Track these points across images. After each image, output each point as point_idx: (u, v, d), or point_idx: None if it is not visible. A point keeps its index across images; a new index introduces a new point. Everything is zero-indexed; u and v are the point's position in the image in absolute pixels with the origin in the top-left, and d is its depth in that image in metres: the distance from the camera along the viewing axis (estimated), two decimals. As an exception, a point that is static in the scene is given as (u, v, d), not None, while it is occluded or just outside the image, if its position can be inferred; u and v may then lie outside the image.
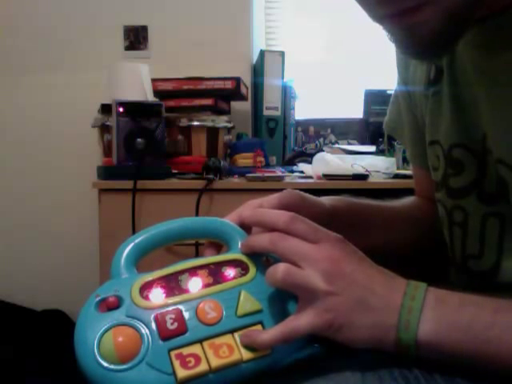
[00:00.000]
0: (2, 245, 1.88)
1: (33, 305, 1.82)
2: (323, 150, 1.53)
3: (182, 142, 1.43)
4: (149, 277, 0.47)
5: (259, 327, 0.45)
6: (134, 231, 1.18)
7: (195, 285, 0.47)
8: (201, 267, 0.49)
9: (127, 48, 1.83)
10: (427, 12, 0.41)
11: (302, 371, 0.46)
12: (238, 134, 1.69)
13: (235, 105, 1.73)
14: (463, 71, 0.56)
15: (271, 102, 1.68)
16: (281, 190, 0.56)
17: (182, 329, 0.43)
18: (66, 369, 1.05)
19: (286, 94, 1.71)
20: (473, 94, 0.54)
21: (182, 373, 0.41)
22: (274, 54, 1.67)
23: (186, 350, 0.43)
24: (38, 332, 1.68)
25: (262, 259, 0.50)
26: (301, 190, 0.58)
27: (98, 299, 0.45)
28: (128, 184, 1.21)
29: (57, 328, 1.72)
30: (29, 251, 1.87)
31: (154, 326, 0.43)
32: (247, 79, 1.74)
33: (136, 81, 1.39)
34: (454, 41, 0.45)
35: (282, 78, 1.68)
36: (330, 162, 1.30)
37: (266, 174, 1.27)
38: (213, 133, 1.45)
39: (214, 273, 0.48)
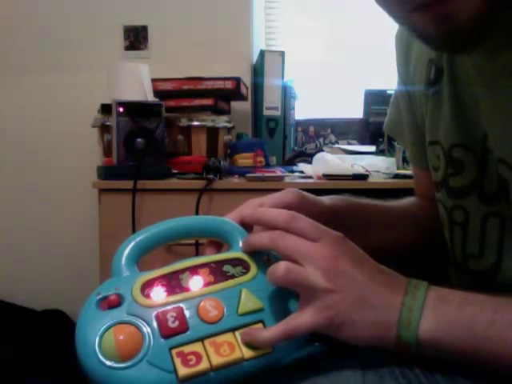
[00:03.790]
0: (2, 245, 1.88)
1: (33, 305, 1.81)
2: (323, 150, 1.53)
3: (181, 141, 1.43)
4: (150, 275, 0.47)
5: (260, 326, 0.46)
6: (133, 231, 1.18)
7: (196, 283, 0.47)
8: (202, 266, 0.49)
9: (127, 48, 1.83)
10: None
11: (302, 370, 0.45)
12: (238, 133, 1.69)
13: (235, 105, 1.73)
14: (464, 71, 0.56)
15: (271, 101, 1.67)
16: (281, 189, 0.56)
17: (183, 327, 0.43)
18: (66, 369, 1.05)
19: (286, 94, 1.71)
20: (473, 94, 0.54)
21: (183, 371, 0.41)
22: (274, 54, 1.67)
23: (187, 348, 0.43)
24: (38, 332, 1.68)
25: (262, 258, 0.50)
26: (301, 190, 0.58)
27: (98, 297, 0.45)
28: (128, 184, 1.21)
29: (57, 328, 1.72)
30: (29, 251, 1.87)
31: (155, 324, 0.43)
32: (247, 79, 1.74)
33: (136, 81, 1.39)
34: (490, 29, 0.43)
35: (282, 78, 1.67)
36: (330, 161, 1.30)
37: (266, 174, 1.27)
38: (213, 133, 1.45)
39: (215, 271, 0.48)
